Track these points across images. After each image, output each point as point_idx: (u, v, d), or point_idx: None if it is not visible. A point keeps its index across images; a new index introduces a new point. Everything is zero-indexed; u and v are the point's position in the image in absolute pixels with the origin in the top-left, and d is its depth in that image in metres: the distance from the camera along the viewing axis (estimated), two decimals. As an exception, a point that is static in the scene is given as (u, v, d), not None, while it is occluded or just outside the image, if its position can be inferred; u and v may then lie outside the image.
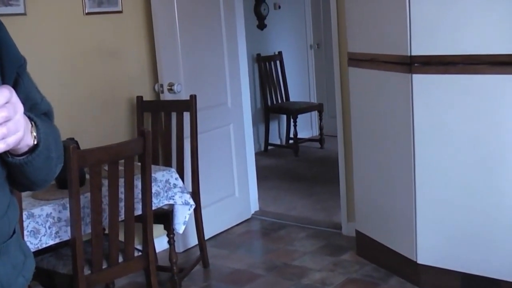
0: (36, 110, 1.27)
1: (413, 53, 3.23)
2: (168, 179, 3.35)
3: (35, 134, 1.16)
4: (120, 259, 2.99)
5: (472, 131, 3.14)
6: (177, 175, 3.41)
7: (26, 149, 1.16)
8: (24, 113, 1.09)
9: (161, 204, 3.34)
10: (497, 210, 3.13)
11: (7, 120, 1.02)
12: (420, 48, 3.21)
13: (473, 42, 3.06)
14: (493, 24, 2.99)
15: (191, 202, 3.44)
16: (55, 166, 1.29)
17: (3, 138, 1.02)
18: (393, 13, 3.34)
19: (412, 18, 3.20)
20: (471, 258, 3.26)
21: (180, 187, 3.40)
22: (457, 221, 3.27)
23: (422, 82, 3.24)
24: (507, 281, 3.14)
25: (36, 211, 2.78)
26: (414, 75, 3.25)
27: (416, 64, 3.24)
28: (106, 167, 2.91)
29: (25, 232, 2.71)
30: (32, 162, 1.18)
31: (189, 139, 3.88)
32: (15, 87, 1.23)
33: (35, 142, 1.17)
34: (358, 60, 3.75)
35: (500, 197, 3.11)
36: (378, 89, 3.59)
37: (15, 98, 1.03)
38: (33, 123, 1.16)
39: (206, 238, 4.05)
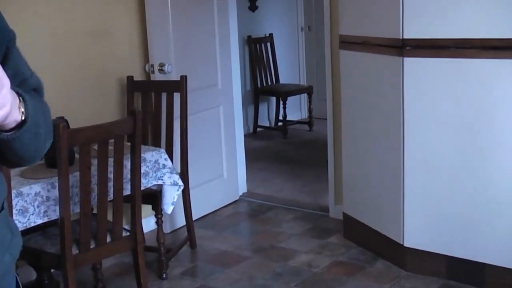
0: (26, 85, 1.25)
1: (405, 36, 3.22)
2: (157, 160, 3.34)
3: (23, 109, 1.14)
4: (108, 239, 2.99)
5: (462, 115, 3.15)
6: (166, 156, 3.40)
7: (14, 124, 1.14)
8: (13, 88, 1.08)
9: (149, 185, 3.33)
10: (484, 195, 3.15)
11: None
12: (412, 31, 3.21)
13: (465, 26, 3.05)
14: (485, 8, 2.98)
15: (180, 182, 3.43)
16: (44, 142, 1.28)
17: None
18: (385, -4, 3.33)
19: (405, 0, 3.19)
20: (457, 242, 3.28)
21: (169, 168, 3.39)
22: (444, 205, 3.29)
23: (413, 65, 3.24)
24: (492, 265, 3.17)
25: (25, 189, 2.76)
26: (406, 59, 3.24)
27: (407, 48, 3.24)
28: (95, 147, 2.90)
29: (14, 211, 2.70)
30: (20, 138, 1.16)
31: (178, 120, 3.86)
32: (4, 62, 1.21)
33: (23, 118, 1.15)
34: (349, 43, 3.74)
35: (487, 182, 3.13)
36: (369, 72, 3.58)
37: (1, 73, 1.01)
38: (21, 98, 1.15)
39: (193, 219, 4.06)
